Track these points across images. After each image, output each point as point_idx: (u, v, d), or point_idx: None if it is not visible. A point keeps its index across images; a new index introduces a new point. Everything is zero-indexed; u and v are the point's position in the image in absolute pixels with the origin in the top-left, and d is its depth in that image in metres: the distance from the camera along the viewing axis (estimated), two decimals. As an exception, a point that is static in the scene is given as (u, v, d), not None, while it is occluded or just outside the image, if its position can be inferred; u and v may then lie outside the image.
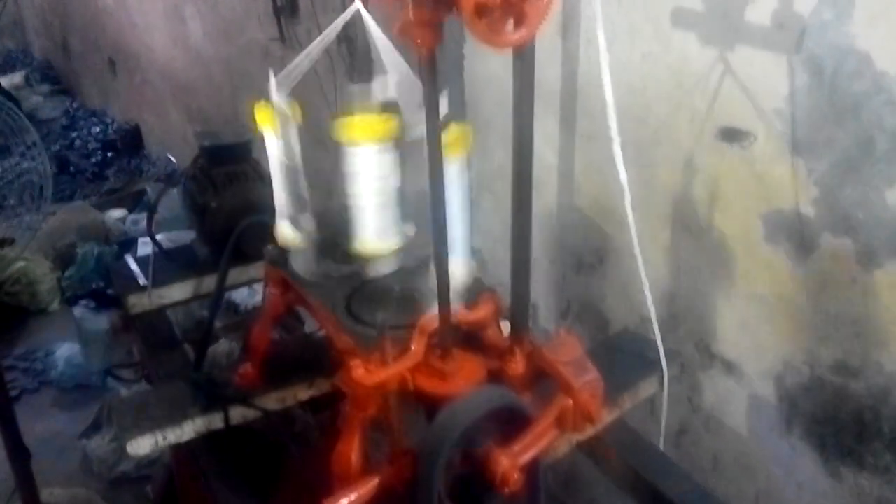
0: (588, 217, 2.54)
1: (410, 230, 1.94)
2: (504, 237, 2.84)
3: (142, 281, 2.51)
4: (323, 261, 1.94)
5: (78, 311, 4.56)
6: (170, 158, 6.51)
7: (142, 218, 5.66)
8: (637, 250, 1.90)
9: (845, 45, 1.71)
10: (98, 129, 7.61)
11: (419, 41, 1.27)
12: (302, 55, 1.77)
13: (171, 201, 5.73)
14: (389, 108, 1.76)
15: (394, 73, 1.67)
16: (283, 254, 1.95)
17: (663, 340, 2.01)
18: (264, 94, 1.89)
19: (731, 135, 2.00)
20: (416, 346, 1.56)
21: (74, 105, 8.38)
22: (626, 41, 2.19)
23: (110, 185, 6.87)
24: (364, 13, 1.56)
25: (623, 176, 1.79)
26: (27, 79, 9.00)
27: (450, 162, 1.57)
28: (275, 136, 1.86)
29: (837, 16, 1.71)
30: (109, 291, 4.61)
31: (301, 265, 1.94)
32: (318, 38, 1.75)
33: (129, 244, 5.30)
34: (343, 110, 1.78)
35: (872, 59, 1.67)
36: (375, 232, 1.81)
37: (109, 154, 7.25)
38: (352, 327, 1.77)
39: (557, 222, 2.65)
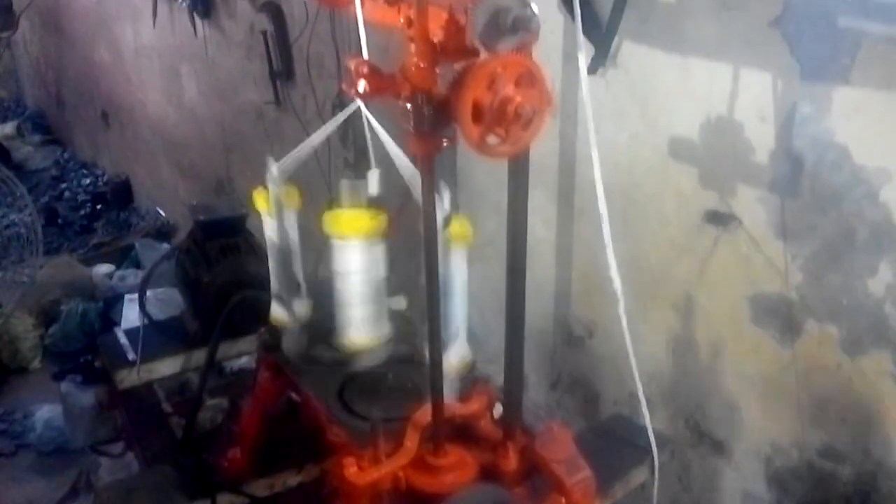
0: (578, 290, 2.60)
1: (401, 303, 1.99)
2: (494, 305, 2.90)
3: (130, 355, 2.52)
4: (315, 345, 1.98)
5: (64, 386, 4.48)
6: (159, 212, 6.55)
7: (129, 274, 5.67)
8: (625, 325, 1.95)
9: (825, 139, 1.79)
10: (88, 181, 7.62)
11: (418, 153, 1.33)
12: (301, 146, 1.83)
13: (159, 255, 5.78)
14: (379, 203, 1.82)
15: (399, 162, 1.72)
16: (276, 338, 1.99)
17: (652, 416, 2.05)
18: (261, 176, 1.95)
19: (717, 218, 2.07)
20: (409, 443, 1.60)
21: (65, 156, 8.40)
22: (614, 122, 2.27)
23: (98, 238, 6.86)
24: (364, 111, 1.62)
25: (611, 256, 1.85)
26: (19, 128, 9.03)
27: (451, 255, 1.63)
28: (272, 221, 1.92)
29: (817, 110, 1.79)
30: (96, 363, 4.58)
31: (293, 347, 1.98)
32: (318, 132, 1.81)
33: (115, 301, 5.28)
34: (334, 204, 1.84)
35: (851, 153, 1.75)
36: (361, 326, 1.86)
37: (99, 206, 7.26)
38: (344, 419, 1.80)
39: (548, 294, 2.71)
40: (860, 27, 1.70)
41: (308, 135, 3.74)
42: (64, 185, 7.67)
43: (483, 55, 1.22)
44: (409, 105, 1.29)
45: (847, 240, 1.79)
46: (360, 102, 1.59)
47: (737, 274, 2.05)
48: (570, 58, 2.32)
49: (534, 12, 1.21)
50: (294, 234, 1.95)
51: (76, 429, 4.26)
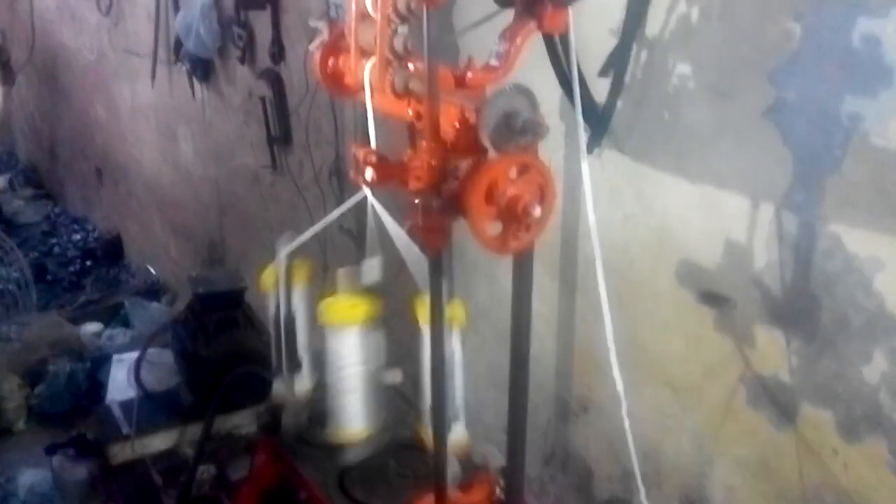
0: (574, 365, 2.63)
1: (397, 376, 2.02)
2: (487, 378, 2.93)
3: (125, 429, 2.52)
4: (316, 425, 2.00)
5: (56, 460, 4.46)
6: (150, 270, 6.57)
7: (118, 333, 5.66)
8: (624, 410, 1.98)
9: (817, 226, 1.84)
10: (78, 237, 7.64)
11: (427, 243, 1.38)
12: (308, 232, 1.87)
13: (149, 315, 5.79)
14: (374, 291, 1.85)
15: (405, 250, 1.76)
16: (275, 417, 2.01)
17: (647, 496, 2.08)
18: (254, 239, 1.97)
19: (712, 299, 2.11)
20: None
21: (56, 211, 8.43)
22: (609, 202, 2.32)
23: (87, 295, 6.84)
24: (371, 199, 1.67)
25: (609, 333, 1.88)
26: (10, 182, 9.07)
27: (447, 339, 1.67)
28: (277, 299, 1.95)
29: (809, 199, 1.84)
30: (89, 436, 4.55)
31: (293, 427, 1.99)
32: (325, 219, 1.85)
33: (103, 361, 5.25)
34: (329, 290, 1.87)
35: (843, 241, 1.80)
36: (357, 416, 1.88)
37: (88, 263, 7.27)
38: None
39: (543, 368, 2.74)
40: (852, 119, 1.76)
41: (305, 200, 3.82)
42: (54, 241, 7.68)
43: (491, 152, 1.27)
44: (417, 200, 1.33)
45: (841, 326, 1.83)
46: (366, 191, 1.63)
47: (731, 355, 2.08)
48: (568, 137, 2.38)
49: (542, 116, 1.26)
50: (301, 311, 1.98)
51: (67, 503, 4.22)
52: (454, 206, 1.29)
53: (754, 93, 1.91)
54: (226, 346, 2.51)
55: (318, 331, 1.96)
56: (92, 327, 5.96)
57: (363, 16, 1.39)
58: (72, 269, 7.24)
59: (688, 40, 2.04)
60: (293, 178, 4.02)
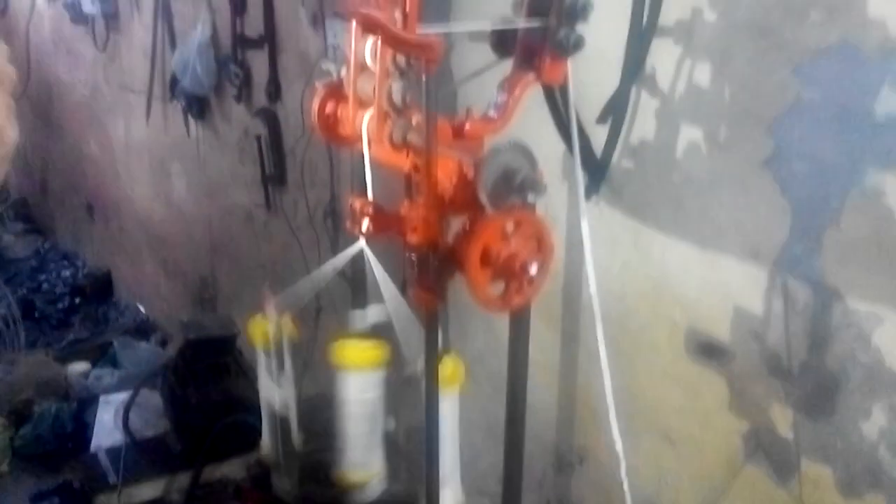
0: (570, 415, 2.62)
1: (391, 423, 2.01)
2: (482, 425, 2.93)
3: (111, 478, 2.50)
4: (307, 482, 1.98)
5: None
6: (139, 308, 6.56)
7: (105, 373, 5.62)
8: (622, 462, 1.98)
9: (815, 279, 1.85)
10: (68, 273, 7.62)
11: (423, 301, 1.38)
12: (303, 282, 1.87)
13: (138, 355, 5.76)
14: (382, 335, 1.86)
15: (393, 309, 1.76)
16: (264, 470, 1.99)
17: (644, 550, 2.07)
18: (246, 278, 1.97)
19: (710, 350, 2.11)
20: None
21: (46, 246, 8.41)
22: (607, 249, 2.33)
23: (75, 333, 6.81)
24: (367, 251, 1.67)
25: (609, 391, 1.89)
26: (0, 216, 9.06)
27: (444, 397, 1.66)
28: (266, 353, 1.94)
29: (808, 252, 1.85)
30: (75, 485, 4.51)
31: (284, 483, 1.98)
32: (320, 269, 1.85)
33: (90, 401, 5.21)
34: (338, 334, 1.88)
35: (842, 295, 1.80)
36: (360, 458, 1.87)
37: (77, 300, 7.23)
38: None
39: (540, 417, 2.73)
40: (849, 172, 1.77)
41: (298, 240, 3.82)
42: (43, 277, 7.65)
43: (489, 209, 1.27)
44: (413, 255, 1.34)
45: (840, 381, 1.83)
46: (362, 242, 1.63)
47: (730, 408, 2.08)
48: (565, 184, 2.39)
49: (541, 174, 1.27)
50: (288, 366, 1.97)
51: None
52: (451, 262, 1.29)
53: (753, 144, 1.93)
54: (216, 393, 2.50)
55: (311, 381, 1.96)
56: (79, 367, 5.91)
57: (362, 67, 1.41)
58: (60, 306, 7.20)
59: (686, 90, 2.06)
60: (287, 217, 4.03)
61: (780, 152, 1.89)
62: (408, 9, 1.32)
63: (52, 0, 6.08)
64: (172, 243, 5.66)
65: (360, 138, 1.43)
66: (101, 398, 4.56)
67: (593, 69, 2.22)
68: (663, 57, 2.09)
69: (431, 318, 1.43)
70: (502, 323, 2.74)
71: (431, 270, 1.32)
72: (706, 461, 2.18)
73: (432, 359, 1.47)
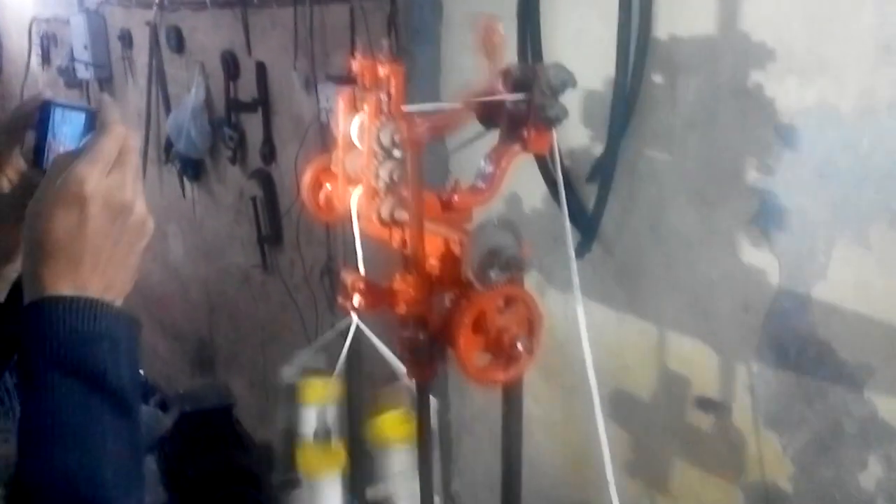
0: (569, 468, 2.64)
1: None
2: (484, 480, 2.95)
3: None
4: None
5: None
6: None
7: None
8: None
9: (806, 333, 1.89)
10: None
11: (415, 376, 1.41)
12: (306, 351, 1.88)
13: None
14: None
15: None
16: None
17: None
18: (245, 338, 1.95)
19: (707, 405, 2.15)
20: None
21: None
22: (602, 305, 2.37)
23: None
24: (362, 326, 1.69)
25: (605, 443, 1.90)
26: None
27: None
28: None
29: (797, 306, 1.89)
30: None
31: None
32: (316, 341, 1.87)
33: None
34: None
35: (833, 348, 1.84)
36: None
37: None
38: None
39: (539, 471, 2.75)
40: (834, 226, 1.82)
41: (295, 301, 3.85)
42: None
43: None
44: (404, 332, 1.37)
45: (835, 433, 1.86)
46: (354, 317, 1.66)
47: (729, 461, 2.11)
48: (558, 242, 2.43)
49: (527, 250, 1.31)
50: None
51: None
52: (441, 338, 1.33)
53: (740, 200, 1.99)
54: (214, 465, 2.50)
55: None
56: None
57: (349, 146, 1.45)
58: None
59: (672, 149, 2.12)
60: (283, 278, 4.06)
61: (765, 209, 1.94)
62: (392, 90, 1.36)
63: (46, 64, 6.11)
64: (170, 305, 5.68)
65: (349, 215, 1.47)
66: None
67: (580, 127, 2.28)
68: (649, 117, 2.14)
69: (423, 394, 1.46)
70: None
71: (423, 346, 1.35)
72: None
73: (425, 433, 1.49)
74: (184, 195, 4.85)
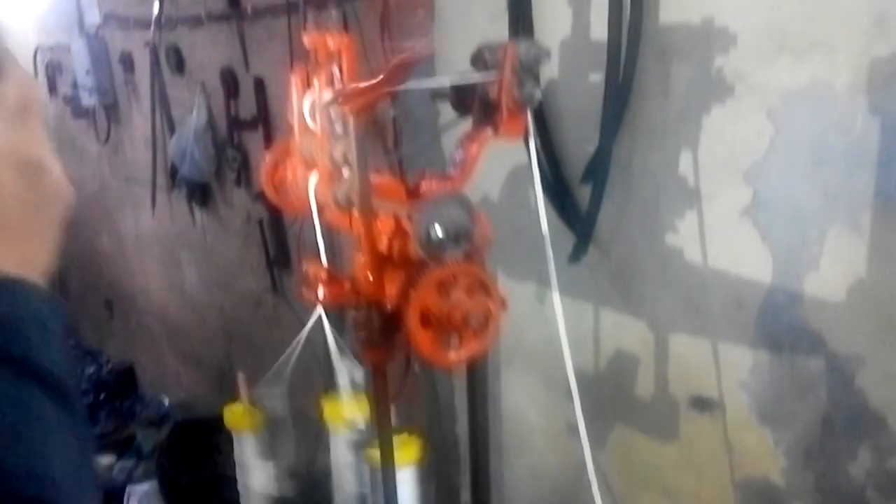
0: (572, 478, 2.61)
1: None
2: (493, 491, 2.91)
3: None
4: None
5: None
6: (163, 400, 6.58)
7: (130, 464, 5.68)
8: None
9: (799, 326, 1.86)
10: (92, 370, 7.69)
11: (369, 359, 1.40)
12: (276, 365, 1.87)
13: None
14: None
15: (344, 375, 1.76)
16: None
17: None
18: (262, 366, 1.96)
19: (702, 403, 2.12)
20: None
21: (70, 344, 8.49)
22: (598, 309, 2.35)
23: (101, 427, 6.88)
24: (324, 318, 1.68)
25: (588, 455, 1.88)
26: (21, 318, 9.16)
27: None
28: (243, 437, 1.93)
29: (789, 299, 1.87)
30: None
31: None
32: (288, 351, 1.86)
33: (116, 493, 5.28)
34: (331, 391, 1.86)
35: (825, 340, 1.82)
36: None
37: (102, 396, 7.30)
38: None
39: (544, 482, 2.73)
40: (827, 215, 1.79)
41: (302, 323, 3.84)
42: (66, 375, 7.72)
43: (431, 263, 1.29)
44: (356, 314, 1.35)
45: (826, 426, 1.84)
46: (320, 310, 1.64)
47: (723, 459, 2.09)
48: (555, 245, 2.41)
49: (476, 223, 1.28)
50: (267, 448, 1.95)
51: None
52: (394, 319, 1.31)
53: (732, 193, 1.98)
54: (207, 472, 2.50)
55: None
56: (105, 460, 5.98)
57: (306, 129, 1.44)
58: (85, 402, 7.25)
59: (665, 144, 2.10)
60: (291, 301, 4.04)
61: (758, 200, 1.93)
62: (344, 63, 1.35)
63: (53, 94, 6.14)
64: (189, 334, 5.70)
65: (308, 202, 1.46)
66: (128, 488, 4.60)
67: (573, 128, 2.26)
68: (642, 111, 2.13)
69: (379, 377, 1.44)
70: (504, 393, 2.77)
71: (377, 328, 1.33)
72: None
73: (385, 419, 1.47)
74: (194, 222, 4.85)
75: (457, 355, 1.35)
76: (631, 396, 2.33)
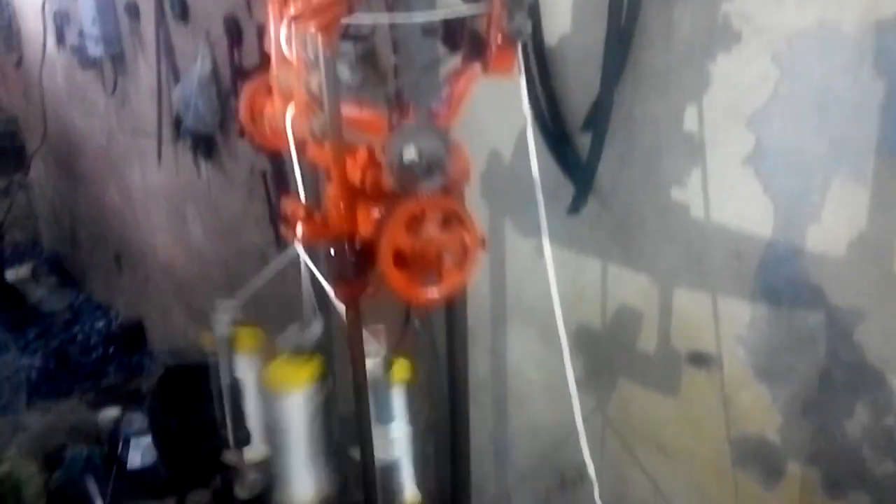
0: (570, 433, 2.57)
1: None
2: (489, 447, 2.89)
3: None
4: (268, 494, 1.95)
5: None
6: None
7: (136, 417, 5.69)
8: (595, 487, 1.93)
9: (799, 279, 1.81)
10: (101, 324, 7.71)
11: (342, 294, 1.35)
12: (248, 286, 1.84)
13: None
14: (314, 353, 1.81)
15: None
16: (229, 488, 1.97)
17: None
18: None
19: (699, 359, 2.08)
20: None
21: (80, 299, 8.52)
22: (598, 262, 2.30)
23: (109, 381, 6.91)
24: (303, 256, 1.64)
25: (577, 408, 1.85)
26: (34, 271, 9.19)
27: (393, 395, 1.62)
28: (220, 362, 1.91)
29: (790, 251, 1.82)
30: None
31: (245, 495, 1.95)
32: (262, 273, 1.83)
33: (122, 444, 5.29)
34: (272, 354, 1.84)
35: (825, 293, 1.77)
36: (303, 483, 1.82)
37: (111, 350, 7.33)
38: None
39: (541, 437, 2.69)
40: (830, 163, 1.73)
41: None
42: (77, 328, 7.76)
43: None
44: (331, 249, 1.31)
45: (824, 381, 1.80)
46: (298, 247, 1.60)
47: (719, 416, 2.05)
48: (553, 197, 2.35)
49: (451, 154, 1.23)
50: (249, 380, 1.94)
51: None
52: (367, 254, 1.26)
53: (734, 140, 1.91)
54: (196, 419, 2.48)
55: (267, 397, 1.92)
56: (111, 412, 6.00)
57: (283, 60, 1.39)
58: (94, 356, 7.30)
59: (668, 90, 2.04)
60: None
61: (761, 148, 1.87)
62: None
63: (61, 45, 6.10)
64: (195, 288, 5.67)
65: (286, 136, 1.41)
66: (133, 440, 4.61)
67: (575, 73, 2.20)
68: (644, 57, 2.07)
69: (353, 313, 1.40)
70: (510, 349, 2.73)
71: (349, 262, 1.29)
72: (698, 470, 2.16)
73: (359, 353, 1.44)
74: (199, 175, 4.81)
75: (432, 292, 1.30)
76: (630, 352, 2.28)
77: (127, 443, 4.88)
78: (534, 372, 2.67)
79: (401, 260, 1.23)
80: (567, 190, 2.29)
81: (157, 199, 5.80)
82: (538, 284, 2.53)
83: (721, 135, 1.94)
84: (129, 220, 6.61)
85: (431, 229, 1.25)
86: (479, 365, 2.88)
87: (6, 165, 8.50)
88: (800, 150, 1.79)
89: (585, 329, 2.38)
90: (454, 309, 1.40)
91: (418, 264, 1.25)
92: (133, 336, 7.41)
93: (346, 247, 1.29)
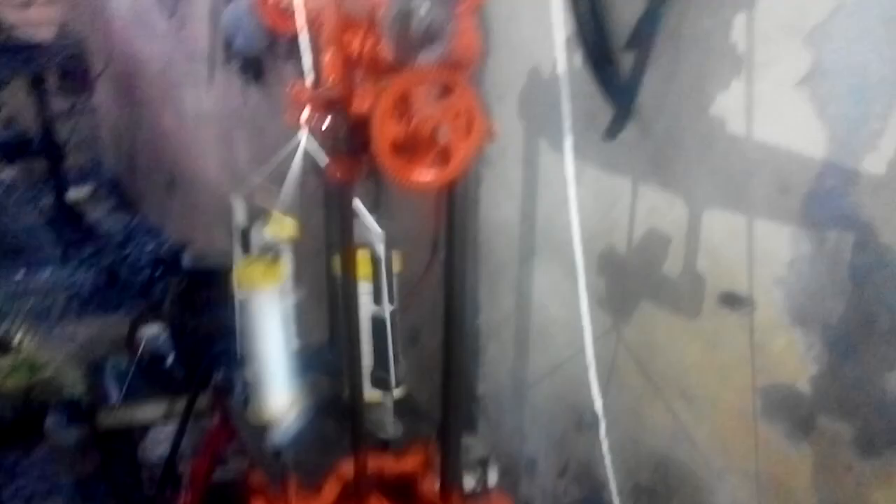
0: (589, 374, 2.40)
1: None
2: (508, 385, 2.72)
3: (114, 398, 2.48)
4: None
5: (49, 421, 4.42)
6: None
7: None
8: (602, 423, 1.74)
9: (849, 215, 1.60)
10: (151, 247, 7.73)
11: (334, 172, 1.19)
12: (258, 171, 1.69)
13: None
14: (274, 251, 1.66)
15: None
16: (230, 382, 1.86)
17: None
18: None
19: (732, 300, 1.88)
20: (328, 493, 1.43)
21: (134, 221, 8.54)
22: (634, 192, 2.10)
23: (153, 300, 6.90)
24: (303, 142, 1.48)
25: (589, 341, 1.65)
26: (94, 193, 9.21)
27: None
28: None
29: (841, 183, 1.61)
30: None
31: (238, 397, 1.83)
32: (270, 163, 1.68)
33: (159, 359, 5.30)
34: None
35: (876, 231, 1.56)
36: (276, 389, 1.68)
37: (158, 271, 7.33)
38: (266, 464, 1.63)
39: (560, 377, 2.51)
40: (894, 86, 1.51)
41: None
42: (128, 249, 7.78)
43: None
44: (324, 126, 1.15)
45: (866, 329, 1.59)
46: (303, 133, 1.44)
47: (748, 363, 1.85)
48: (590, 118, 2.14)
49: (455, 20, 1.03)
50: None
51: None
52: (363, 132, 1.08)
53: (790, 59, 1.69)
54: (214, 321, 2.40)
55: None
56: (152, 329, 5.98)
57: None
58: (142, 277, 7.31)
59: (720, 3, 1.81)
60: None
61: (819, 67, 1.64)
62: None
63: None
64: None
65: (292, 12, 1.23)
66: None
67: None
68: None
69: (346, 195, 1.22)
70: (535, 286, 2.54)
71: (343, 138, 1.11)
72: (720, 419, 1.98)
73: (349, 241, 1.26)
74: (246, 100, 4.65)
75: (429, 174, 1.11)
76: (660, 289, 2.09)
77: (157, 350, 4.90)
78: (558, 309, 2.48)
79: (398, 145, 1.05)
80: (607, 115, 2.07)
81: (207, 123, 5.68)
82: (564, 216, 2.34)
83: (774, 53, 1.71)
84: (182, 145, 6.52)
85: (434, 106, 1.06)
86: (503, 301, 2.71)
87: (71, 87, 8.48)
88: (862, 69, 1.57)
89: (613, 261, 2.20)
90: (454, 200, 1.21)
91: (408, 144, 1.07)
92: (179, 260, 7.40)
93: (339, 119, 1.11)
